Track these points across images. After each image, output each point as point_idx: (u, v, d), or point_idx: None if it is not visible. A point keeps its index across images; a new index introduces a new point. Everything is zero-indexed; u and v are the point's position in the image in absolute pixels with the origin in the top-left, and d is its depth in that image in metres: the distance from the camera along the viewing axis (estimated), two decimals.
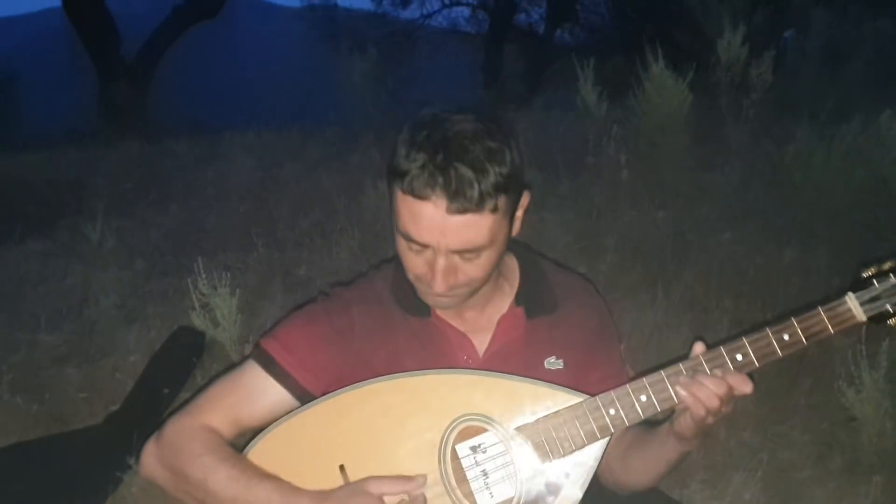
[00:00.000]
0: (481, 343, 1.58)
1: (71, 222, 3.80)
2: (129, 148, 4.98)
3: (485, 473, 1.42)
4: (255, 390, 1.53)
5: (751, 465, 2.41)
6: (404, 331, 1.56)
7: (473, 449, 1.42)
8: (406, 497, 1.39)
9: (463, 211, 1.34)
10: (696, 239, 3.41)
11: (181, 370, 2.72)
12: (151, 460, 1.52)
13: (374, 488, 1.38)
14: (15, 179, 4.57)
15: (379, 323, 1.56)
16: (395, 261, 1.56)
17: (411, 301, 1.54)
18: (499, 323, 1.58)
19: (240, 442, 1.53)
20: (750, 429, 2.53)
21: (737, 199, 3.56)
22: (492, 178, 1.34)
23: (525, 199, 1.47)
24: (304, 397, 1.52)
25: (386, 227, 3.61)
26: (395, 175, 1.37)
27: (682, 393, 1.38)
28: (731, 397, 1.40)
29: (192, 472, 1.45)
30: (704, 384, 1.37)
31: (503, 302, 1.60)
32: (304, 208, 3.93)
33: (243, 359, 1.60)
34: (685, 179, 3.57)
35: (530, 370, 1.55)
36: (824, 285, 3.17)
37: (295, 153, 4.66)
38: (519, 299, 1.60)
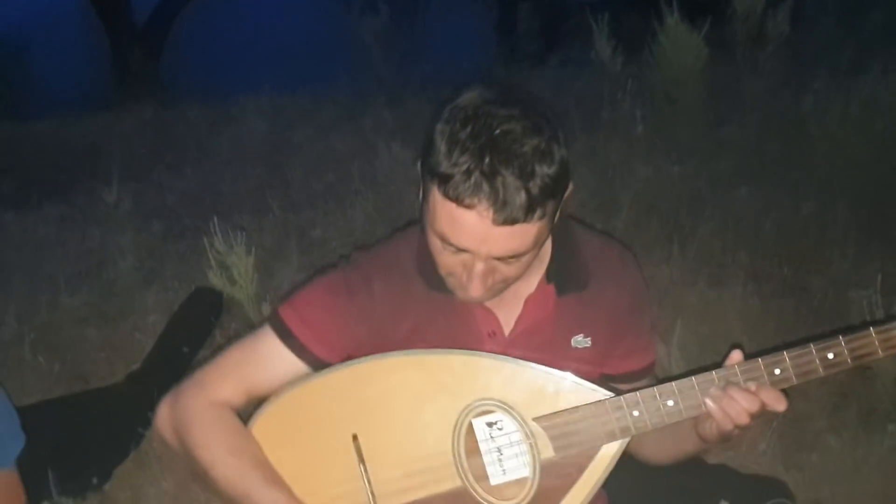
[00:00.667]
0: (507, 320, 1.51)
1: (87, 187, 3.83)
2: (143, 113, 4.98)
3: (499, 451, 1.39)
4: (271, 360, 1.49)
5: (765, 415, 2.41)
6: (427, 305, 1.49)
7: (490, 425, 1.39)
8: None
9: (511, 222, 1.26)
10: (711, 194, 3.40)
11: (200, 330, 2.76)
12: (165, 425, 1.50)
13: None
14: (31, 146, 4.60)
15: (400, 297, 1.50)
16: (422, 231, 1.46)
17: (435, 275, 1.45)
18: (526, 302, 1.51)
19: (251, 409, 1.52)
20: None
21: (753, 153, 3.53)
22: (540, 184, 1.25)
23: (569, 191, 1.36)
24: (321, 368, 1.48)
25: (401, 189, 3.64)
26: (434, 175, 1.27)
27: (712, 406, 1.33)
28: (762, 413, 1.35)
29: (199, 455, 1.44)
30: (736, 399, 1.32)
31: (532, 277, 1.50)
32: (318, 171, 3.94)
33: (260, 322, 1.57)
34: (701, 134, 3.54)
35: (557, 348, 1.50)
36: (841, 239, 3.16)
37: (308, 116, 4.66)
38: (550, 275, 1.51)
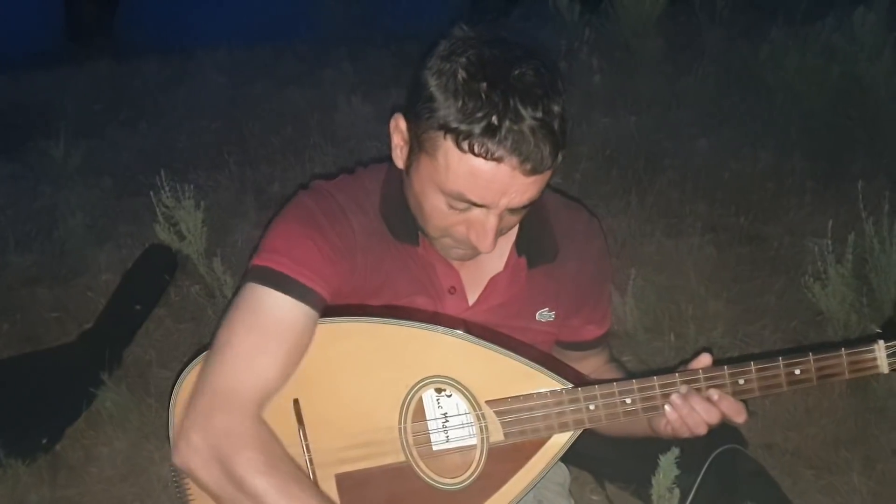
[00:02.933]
0: (471, 285, 1.44)
1: (39, 145, 3.71)
2: (98, 69, 4.85)
3: (445, 418, 1.35)
4: (284, 321, 1.29)
5: (719, 364, 2.43)
6: (392, 252, 1.40)
7: (439, 391, 1.34)
8: None
9: (540, 171, 1.19)
10: (670, 145, 3.39)
11: (153, 287, 2.72)
12: (202, 458, 1.26)
13: None
14: None
15: (374, 237, 1.39)
16: (387, 173, 1.41)
17: (400, 224, 1.38)
18: (495, 280, 1.44)
19: None
20: (720, 329, 2.56)
21: (712, 103, 3.52)
22: (559, 123, 1.19)
23: None
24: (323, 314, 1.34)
25: (361, 144, 3.59)
26: (448, 131, 1.18)
27: (671, 413, 1.30)
28: (720, 423, 1.32)
29: (255, 486, 1.24)
30: (697, 410, 1.30)
31: (501, 247, 1.42)
32: (277, 125, 3.86)
33: (238, 296, 1.33)
34: (659, 84, 3.52)
35: (520, 321, 1.46)
36: (798, 189, 3.17)
37: (267, 70, 4.56)
38: (520, 248, 1.44)
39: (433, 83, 1.19)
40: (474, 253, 1.33)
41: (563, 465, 1.65)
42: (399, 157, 1.31)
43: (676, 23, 3.73)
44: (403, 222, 1.37)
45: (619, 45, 3.59)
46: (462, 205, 1.24)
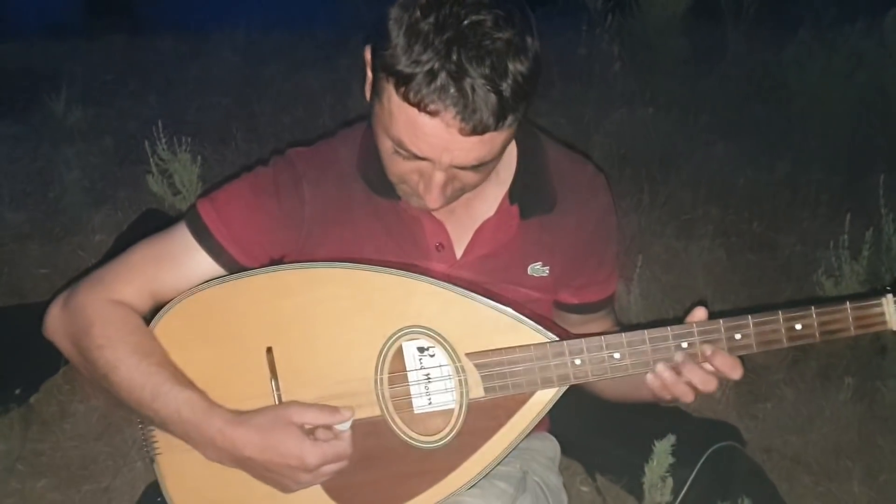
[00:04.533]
0: (459, 237, 1.36)
1: (46, 108, 3.68)
2: (113, 42, 4.82)
3: (428, 379, 1.27)
4: (183, 260, 1.33)
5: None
6: (367, 211, 1.35)
7: (421, 350, 1.27)
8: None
9: (480, 132, 1.11)
10: (687, 148, 3.32)
11: None
12: (56, 327, 1.35)
13: (297, 416, 1.23)
14: None
15: (335, 203, 1.35)
16: (367, 128, 1.33)
17: (379, 179, 1.31)
18: (484, 227, 1.37)
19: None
20: None
21: (731, 108, 3.45)
22: (513, 84, 1.09)
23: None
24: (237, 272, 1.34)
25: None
26: (391, 73, 1.10)
27: (654, 382, 1.23)
28: (712, 385, 1.23)
29: (99, 356, 1.28)
30: (682, 380, 1.21)
31: (491, 198, 1.36)
32: (288, 106, 3.82)
33: (176, 219, 1.40)
34: (679, 85, 3.45)
35: (510, 275, 1.38)
36: (813, 200, 3.10)
37: (283, 53, 4.52)
38: (513, 195, 1.36)
39: (393, 16, 1.11)
40: (431, 208, 1.26)
41: (554, 440, 1.57)
42: (368, 91, 1.23)
43: (700, 21, 3.66)
44: (382, 176, 1.29)
45: (642, 42, 3.50)
46: (405, 153, 1.17)
